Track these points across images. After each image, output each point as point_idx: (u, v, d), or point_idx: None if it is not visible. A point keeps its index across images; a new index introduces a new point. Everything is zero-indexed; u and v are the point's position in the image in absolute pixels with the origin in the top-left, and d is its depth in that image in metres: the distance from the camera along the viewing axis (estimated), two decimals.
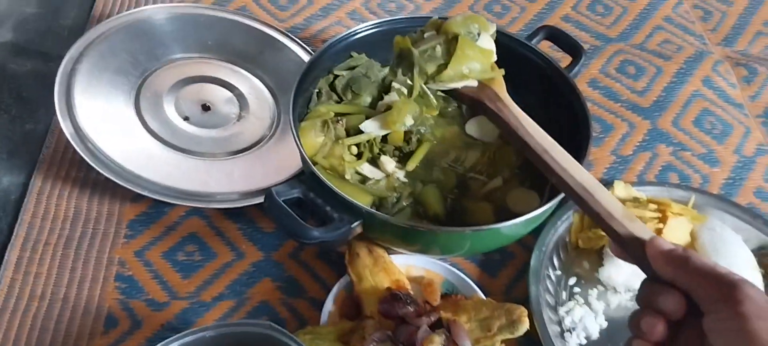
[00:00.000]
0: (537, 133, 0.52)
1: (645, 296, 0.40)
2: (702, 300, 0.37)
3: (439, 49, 0.57)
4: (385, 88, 0.65)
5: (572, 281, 0.61)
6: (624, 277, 0.59)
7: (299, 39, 0.76)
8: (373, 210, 0.55)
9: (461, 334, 0.52)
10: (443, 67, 0.56)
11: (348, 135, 0.61)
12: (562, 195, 0.52)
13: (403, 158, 0.62)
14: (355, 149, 0.61)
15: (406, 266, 0.59)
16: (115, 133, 0.63)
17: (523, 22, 0.86)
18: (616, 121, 0.75)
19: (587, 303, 0.59)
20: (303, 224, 0.50)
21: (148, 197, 0.60)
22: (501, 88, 0.57)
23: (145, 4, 0.76)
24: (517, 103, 0.57)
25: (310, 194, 0.54)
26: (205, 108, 0.69)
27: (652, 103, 0.77)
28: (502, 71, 0.58)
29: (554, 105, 0.63)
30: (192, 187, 0.61)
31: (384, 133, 0.61)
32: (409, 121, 0.60)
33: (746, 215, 0.65)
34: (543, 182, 0.61)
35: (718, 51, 0.85)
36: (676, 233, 0.60)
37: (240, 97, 0.70)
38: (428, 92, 0.58)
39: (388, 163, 0.61)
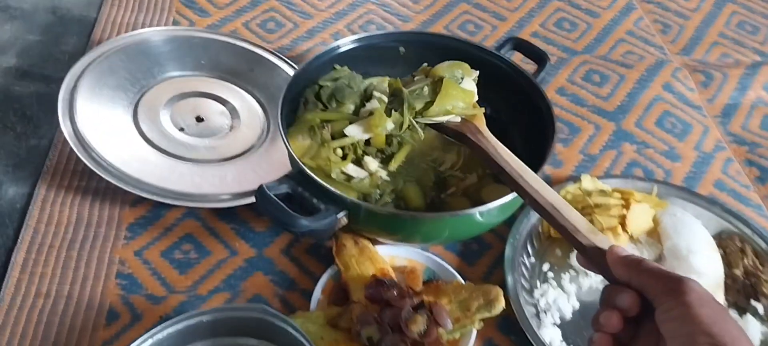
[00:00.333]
0: (512, 159, 0.56)
1: (606, 297, 0.45)
2: (653, 296, 0.42)
3: (426, 89, 0.63)
4: (366, 98, 0.70)
5: (546, 267, 0.65)
6: None
7: (286, 57, 0.82)
8: (358, 200, 0.59)
9: (442, 314, 0.56)
10: (430, 104, 0.62)
11: (333, 139, 0.66)
12: None
13: (385, 160, 0.66)
14: (340, 152, 0.65)
15: (390, 256, 0.63)
16: (114, 141, 0.67)
17: (494, 39, 0.92)
18: (583, 123, 0.81)
19: (560, 286, 0.63)
20: (292, 213, 0.55)
21: (146, 199, 0.64)
22: (481, 123, 0.62)
23: (142, 28, 0.81)
24: (489, 108, 0.63)
25: (298, 188, 0.58)
26: (199, 120, 0.73)
27: (617, 107, 0.83)
28: (483, 109, 0.63)
29: (522, 106, 0.68)
30: (186, 189, 0.65)
31: (367, 136, 0.65)
32: (390, 126, 0.65)
33: (705, 202, 0.70)
34: None
35: (677, 60, 0.92)
36: (639, 218, 0.64)
37: (232, 110, 0.75)
38: (416, 125, 0.63)
39: (372, 162, 0.65)
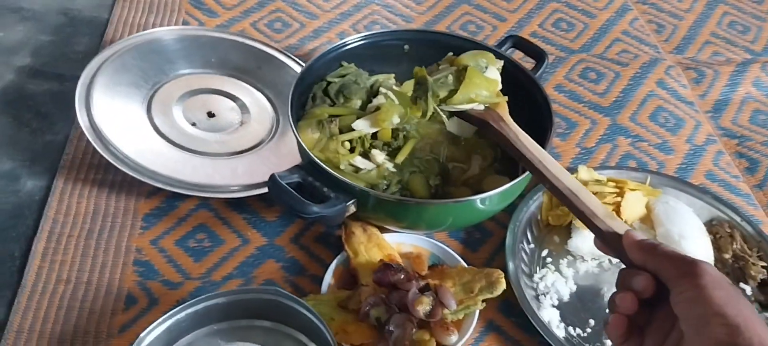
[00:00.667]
0: (533, 147, 0.59)
1: (621, 279, 0.46)
2: (668, 278, 0.43)
3: (450, 78, 0.65)
4: (373, 93, 0.73)
5: (544, 252, 0.68)
6: (589, 247, 0.66)
7: (294, 56, 0.84)
8: (366, 188, 0.62)
9: (447, 295, 0.59)
10: (454, 92, 0.64)
11: (341, 133, 0.68)
12: (529, 173, 0.59)
13: (391, 153, 0.69)
14: (348, 145, 0.68)
15: (397, 243, 0.66)
16: (130, 135, 0.70)
17: (494, 39, 0.95)
18: (580, 119, 0.84)
19: (558, 270, 0.66)
20: (303, 200, 0.57)
21: (161, 191, 0.67)
22: (504, 111, 0.64)
23: (152, 28, 0.84)
24: None
25: (309, 178, 0.60)
26: (211, 115, 0.76)
27: (612, 102, 0.86)
28: (506, 98, 0.65)
29: (522, 102, 0.71)
30: (199, 180, 0.67)
31: (374, 130, 0.68)
32: (396, 120, 0.68)
33: (696, 191, 0.73)
34: (513, 169, 0.68)
35: (670, 58, 0.95)
36: (633, 206, 0.67)
37: (242, 106, 0.78)
38: (440, 112, 0.65)
39: (379, 155, 0.68)
